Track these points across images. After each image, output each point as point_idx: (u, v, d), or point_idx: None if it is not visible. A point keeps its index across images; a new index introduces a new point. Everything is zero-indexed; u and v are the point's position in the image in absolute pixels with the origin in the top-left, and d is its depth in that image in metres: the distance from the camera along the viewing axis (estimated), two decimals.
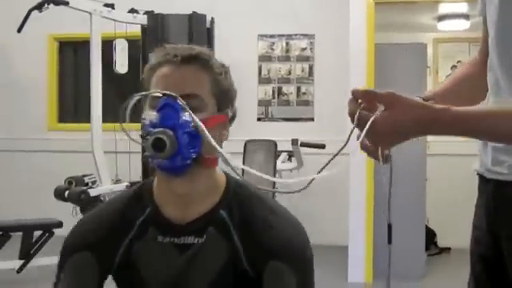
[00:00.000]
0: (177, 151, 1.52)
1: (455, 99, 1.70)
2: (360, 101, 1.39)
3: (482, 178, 1.70)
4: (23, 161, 7.97)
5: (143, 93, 1.61)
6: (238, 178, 1.69)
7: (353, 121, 1.38)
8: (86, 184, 6.55)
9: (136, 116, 1.63)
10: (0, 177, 8.07)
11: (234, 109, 1.75)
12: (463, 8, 7.16)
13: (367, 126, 1.34)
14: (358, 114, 1.37)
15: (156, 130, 1.52)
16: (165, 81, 1.61)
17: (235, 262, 1.65)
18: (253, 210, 1.69)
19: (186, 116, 1.54)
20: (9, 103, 8.06)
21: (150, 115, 1.56)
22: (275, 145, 5.91)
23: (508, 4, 1.57)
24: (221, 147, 1.58)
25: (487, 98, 1.70)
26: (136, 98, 1.57)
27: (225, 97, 1.69)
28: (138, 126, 1.57)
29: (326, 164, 1.41)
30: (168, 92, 1.56)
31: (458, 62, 7.78)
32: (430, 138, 6.58)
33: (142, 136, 1.57)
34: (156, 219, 1.69)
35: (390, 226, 1.56)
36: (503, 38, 1.60)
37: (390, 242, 1.58)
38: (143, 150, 1.74)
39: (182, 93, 1.57)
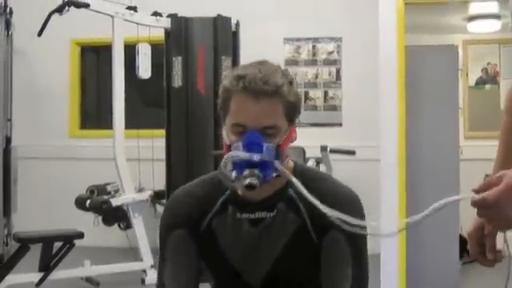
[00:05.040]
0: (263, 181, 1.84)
1: None
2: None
3: None
4: (44, 168, 7.91)
5: (232, 154, 1.87)
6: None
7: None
8: (109, 193, 6.45)
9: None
10: (20, 184, 7.96)
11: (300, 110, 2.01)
12: (494, 8, 6.99)
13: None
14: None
15: (246, 172, 1.81)
16: (245, 112, 1.87)
17: (303, 230, 1.98)
18: (316, 188, 1.86)
19: (268, 146, 1.85)
20: (30, 109, 8.00)
21: (237, 149, 1.85)
22: (303, 151, 5.78)
23: None
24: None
25: None
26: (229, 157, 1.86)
27: (294, 110, 1.94)
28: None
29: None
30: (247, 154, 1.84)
31: (488, 63, 7.62)
32: (462, 142, 6.41)
33: (223, 158, 1.86)
34: (235, 199, 2.02)
35: None
36: None
37: None
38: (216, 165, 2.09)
39: (262, 125, 1.85)
